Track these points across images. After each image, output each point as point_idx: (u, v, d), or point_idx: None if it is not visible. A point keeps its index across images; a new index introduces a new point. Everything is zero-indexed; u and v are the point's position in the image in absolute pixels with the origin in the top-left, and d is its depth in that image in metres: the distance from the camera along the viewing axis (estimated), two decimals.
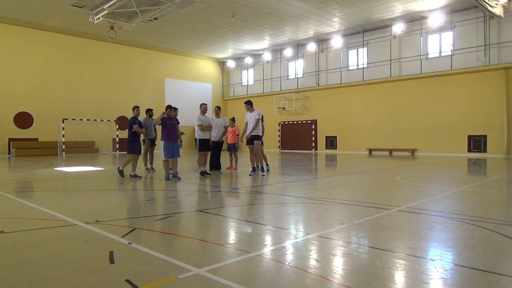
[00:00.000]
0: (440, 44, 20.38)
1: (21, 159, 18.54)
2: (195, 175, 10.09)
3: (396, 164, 14.77)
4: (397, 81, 21.71)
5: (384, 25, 21.72)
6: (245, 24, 21.35)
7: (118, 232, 4.13)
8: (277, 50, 27.28)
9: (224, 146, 11.33)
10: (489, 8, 16.46)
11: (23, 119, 21.47)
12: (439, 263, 3.11)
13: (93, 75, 24.04)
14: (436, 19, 19.68)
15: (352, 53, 24.14)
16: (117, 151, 23.89)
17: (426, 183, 8.72)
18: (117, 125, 24.20)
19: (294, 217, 5.16)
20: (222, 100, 31.45)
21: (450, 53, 19.78)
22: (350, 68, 24.20)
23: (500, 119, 18.28)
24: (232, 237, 4.14)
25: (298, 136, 26.74)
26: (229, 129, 11.68)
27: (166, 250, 3.54)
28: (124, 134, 12.57)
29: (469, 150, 19.31)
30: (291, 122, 27.33)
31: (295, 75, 27.15)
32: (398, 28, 21.04)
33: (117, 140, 23.98)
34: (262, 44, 25.91)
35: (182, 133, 10.27)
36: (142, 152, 10.60)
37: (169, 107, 9.67)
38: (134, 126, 9.56)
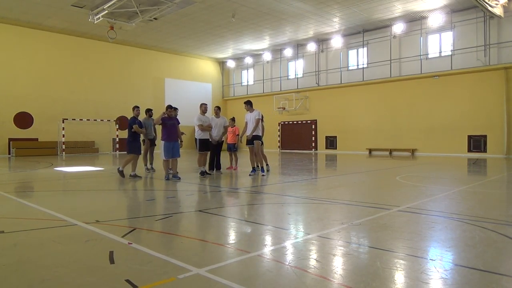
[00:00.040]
0: (440, 44, 20.37)
1: (21, 159, 18.54)
2: (195, 175, 10.09)
3: (396, 164, 14.77)
4: (397, 81, 21.71)
5: (384, 25, 21.72)
6: (245, 24, 21.35)
7: (118, 232, 4.13)
8: (277, 50, 27.27)
9: (224, 146, 11.34)
10: (489, 8, 16.46)
11: (23, 119, 21.47)
12: (439, 263, 3.10)
13: (93, 75, 24.04)
14: (436, 19, 19.67)
15: (352, 53, 24.13)
16: (117, 151, 23.88)
17: (426, 183, 8.72)
18: (117, 125, 24.20)
19: (294, 217, 5.15)
20: (222, 100, 31.45)
21: (450, 53, 19.77)
22: (350, 68, 24.19)
23: (500, 119, 18.27)
24: (232, 237, 4.14)
25: (298, 136, 26.72)
26: (229, 129, 11.67)
27: (166, 250, 3.54)
28: (124, 134, 12.58)
29: (469, 150, 19.31)
30: (291, 122, 27.32)
31: (295, 75, 27.14)
32: (398, 28, 21.04)
33: (117, 140, 23.98)
34: (262, 44, 25.91)
35: (182, 133, 10.27)
36: (142, 152, 10.60)
37: (169, 107, 9.70)
38: (134, 126, 9.56)
